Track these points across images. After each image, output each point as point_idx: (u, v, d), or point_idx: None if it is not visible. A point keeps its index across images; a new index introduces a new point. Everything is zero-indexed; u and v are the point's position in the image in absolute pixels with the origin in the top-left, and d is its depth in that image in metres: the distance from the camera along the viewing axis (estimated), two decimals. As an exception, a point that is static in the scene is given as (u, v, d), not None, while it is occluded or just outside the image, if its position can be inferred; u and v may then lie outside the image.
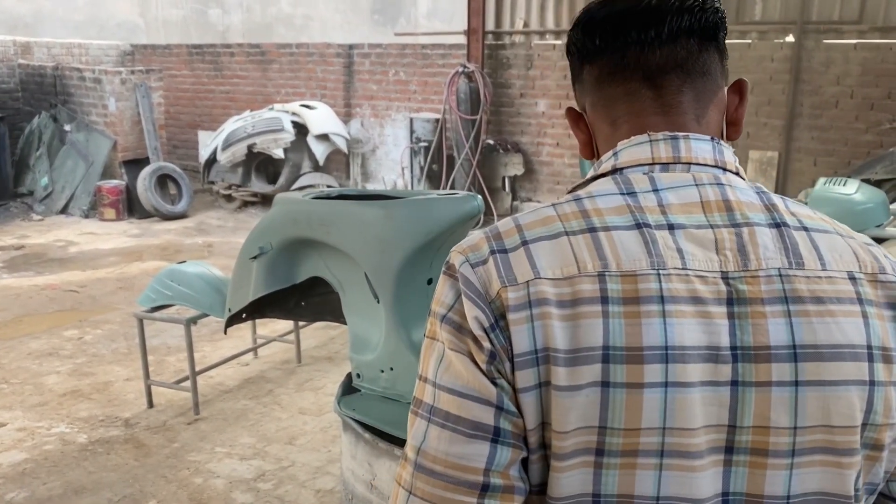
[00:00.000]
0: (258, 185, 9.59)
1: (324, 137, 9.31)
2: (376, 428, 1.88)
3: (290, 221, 2.16)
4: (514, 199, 9.09)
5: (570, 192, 0.91)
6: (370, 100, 9.91)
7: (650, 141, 0.88)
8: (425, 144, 8.79)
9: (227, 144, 9.18)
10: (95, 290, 6.38)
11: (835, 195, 4.06)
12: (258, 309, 2.51)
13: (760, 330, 0.79)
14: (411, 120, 8.96)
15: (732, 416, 0.79)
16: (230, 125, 9.42)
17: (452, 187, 8.75)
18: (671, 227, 0.83)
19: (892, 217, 4.28)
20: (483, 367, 0.80)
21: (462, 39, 8.93)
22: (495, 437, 0.79)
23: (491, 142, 8.81)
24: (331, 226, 2.04)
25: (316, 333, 5.26)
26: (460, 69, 8.50)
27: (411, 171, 9.00)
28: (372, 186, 9.93)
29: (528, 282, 0.80)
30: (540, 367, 0.79)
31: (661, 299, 0.79)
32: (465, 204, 1.93)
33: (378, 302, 2.00)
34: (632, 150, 0.89)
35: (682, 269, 0.81)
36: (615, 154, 0.90)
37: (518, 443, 0.80)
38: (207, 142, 9.90)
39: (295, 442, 3.87)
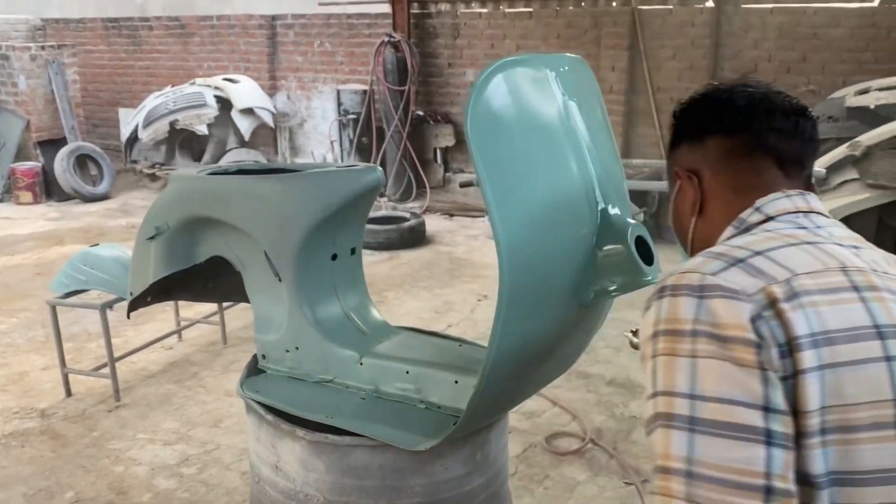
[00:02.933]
0: (183, 163, 9.33)
1: (248, 112, 9.08)
2: (282, 410, 1.84)
3: (185, 199, 2.08)
4: (446, 170, 9.05)
5: (727, 241, 1.06)
6: (296, 72, 9.69)
7: (787, 196, 1.06)
8: (354, 117, 8.66)
9: (149, 122, 8.89)
10: (11, 278, 6.13)
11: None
12: (164, 291, 2.42)
13: None
14: (338, 92, 8.81)
15: None
16: (151, 101, 9.12)
17: (384, 159, 8.67)
18: (853, 247, 1.00)
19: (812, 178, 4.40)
20: (752, 358, 0.85)
21: (387, 8, 8.79)
22: (767, 439, 0.83)
23: (420, 113, 8.73)
24: (227, 203, 1.97)
25: (242, 314, 5.15)
26: (386, 39, 8.38)
27: (340, 144, 8.87)
28: (301, 160, 9.76)
29: (788, 279, 0.91)
30: (821, 349, 0.86)
31: (889, 290, 0.94)
32: (366, 176, 1.88)
33: (280, 280, 1.95)
34: (774, 203, 1.05)
35: (885, 272, 0.97)
36: (757, 209, 1.05)
37: (789, 444, 0.84)
38: (128, 120, 9.56)
39: (220, 425, 3.80)
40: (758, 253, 0.94)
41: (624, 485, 3.25)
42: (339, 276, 2.04)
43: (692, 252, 1.15)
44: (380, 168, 1.92)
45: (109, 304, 3.91)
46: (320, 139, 9.59)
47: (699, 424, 0.84)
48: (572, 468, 3.38)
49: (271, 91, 9.75)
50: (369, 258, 6.73)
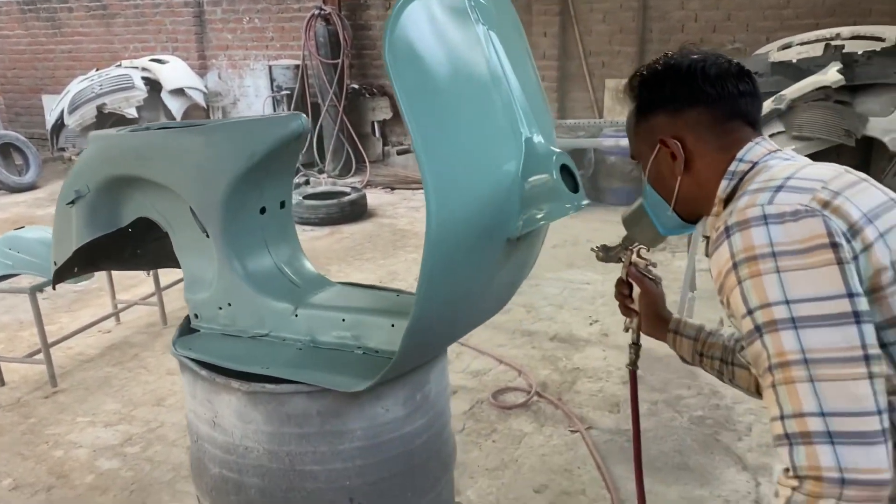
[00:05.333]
0: (113, 149, 9.04)
1: (179, 92, 8.85)
2: (217, 365, 1.80)
3: (105, 159, 2.01)
4: (384, 144, 8.98)
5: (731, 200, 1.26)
6: (225, 50, 9.47)
7: (757, 143, 1.29)
8: (287, 92, 8.52)
9: (74, 107, 8.59)
10: (-66, 272, 5.86)
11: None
12: (91, 261, 2.34)
13: None
14: (270, 68, 8.64)
15: None
16: (75, 86, 8.81)
17: (320, 134, 8.55)
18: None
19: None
20: (831, 256, 1.05)
21: (316, -19, 8.63)
22: (857, 319, 1.03)
23: (355, 86, 8.63)
24: (148, 160, 1.91)
25: (181, 294, 5.04)
26: (316, 12, 8.24)
27: (276, 122, 8.70)
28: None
29: (823, 185, 1.12)
30: (874, 222, 1.09)
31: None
32: (290, 123, 1.84)
33: (208, 236, 1.91)
34: (752, 151, 1.28)
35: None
36: (741, 160, 1.27)
37: (869, 318, 1.04)
38: (52, 106, 9.21)
39: (164, 403, 3.73)
40: (787, 178, 1.15)
41: (569, 432, 3.30)
42: (269, 230, 2.00)
43: (676, 204, 1.37)
44: (304, 115, 1.88)
45: (39, 288, 3.78)
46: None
47: (800, 322, 1.04)
48: (519, 420, 3.42)
49: (201, 70, 9.51)
50: (310, 233, 6.65)
